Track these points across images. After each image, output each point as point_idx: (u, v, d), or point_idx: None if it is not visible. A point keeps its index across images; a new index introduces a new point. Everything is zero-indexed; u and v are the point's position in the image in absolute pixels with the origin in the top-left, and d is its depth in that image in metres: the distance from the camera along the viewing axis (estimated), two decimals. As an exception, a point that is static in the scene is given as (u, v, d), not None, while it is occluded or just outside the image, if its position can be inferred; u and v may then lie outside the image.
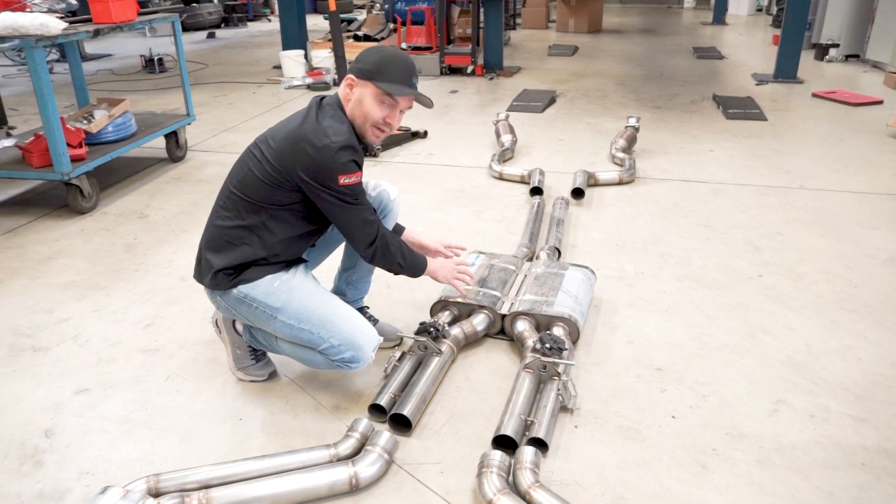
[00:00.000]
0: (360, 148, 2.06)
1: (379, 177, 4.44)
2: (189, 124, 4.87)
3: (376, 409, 2.15)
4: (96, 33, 3.89)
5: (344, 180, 1.97)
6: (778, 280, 3.04)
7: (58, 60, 8.75)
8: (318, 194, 2.01)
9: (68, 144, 3.75)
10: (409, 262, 2.24)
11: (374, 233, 2.11)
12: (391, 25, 8.61)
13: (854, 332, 2.64)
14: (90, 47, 9.95)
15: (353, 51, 7.89)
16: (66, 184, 3.79)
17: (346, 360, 2.07)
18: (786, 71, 7.26)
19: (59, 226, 3.74)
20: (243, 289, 2.07)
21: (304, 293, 2.10)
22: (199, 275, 2.16)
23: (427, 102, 2.17)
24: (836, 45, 8.35)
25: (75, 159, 3.80)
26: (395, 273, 2.25)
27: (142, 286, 3.05)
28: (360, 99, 2.05)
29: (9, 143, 4.33)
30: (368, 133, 2.09)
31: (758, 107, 6.12)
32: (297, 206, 2.07)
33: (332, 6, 4.44)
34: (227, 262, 2.06)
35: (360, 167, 2.04)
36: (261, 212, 2.05)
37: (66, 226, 3.74)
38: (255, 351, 2.33)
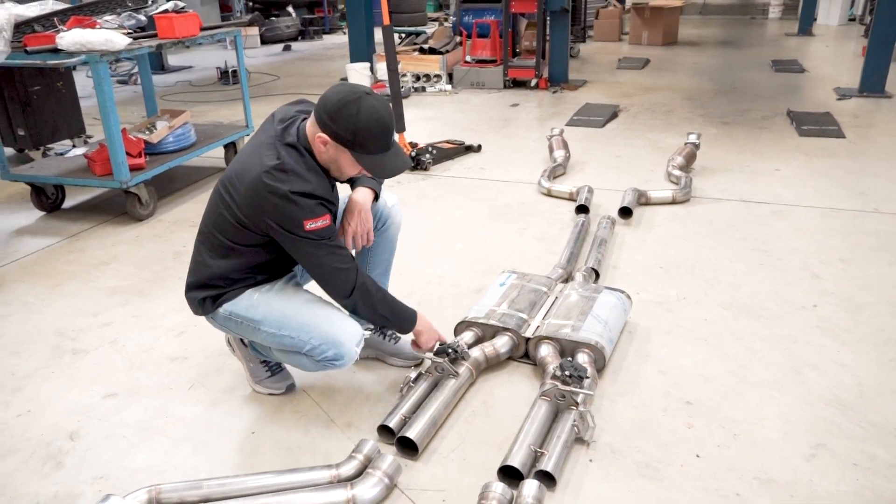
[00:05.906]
0: (329, 194, 1.98)
1: (427, 191, 4.45)
2: (248, 135, 5.00)
3: (386, 430, 2.12)
4: (158, 48, 4.07)
5: (310, 225, 1.92)
6: (834, 311, 2.83)
7: (141, 72, 9.21)
8: (285, 240, 1.99)
9: (128, 154, 3.92)
10: (396, 314, 2.17)
11: (352, 281, 2.04)
12: (457, 38, 8.61)
13: (915, 372, 2.42)
14: (173, 60, 10.43)
15: (417, 64, 7.98)
16: (125, 191, 3.96)
17: (329, 359, 2.05)
18: (872, 85, 6.80)
19: (118, 232, 3.91)
20: (227, 307, 2.11)
21: (283, 300, 2.11)
22: (190, 304, 2.21)
23: (402, 169, 2.03)
24: (932, 57, 7.78)
25: (134, 168, 3.96)
26: (381, 326, 2.26)
27: (181, 294, 3.11)
28: (335, 159, 1.97)
29: (81, 151, 4.57)
30: (344, 178, 2.10)
31: (836, 123, 5.76)
32: (274, 243, 2.04)
33: (387, 20, 4.48)
34: (209, 293, 2.12)
35: (329, 210, 1.97)
36: (239, 249, 2.07)
37: (124, 232, 3.90)
38: (269, 364, 2.35)
